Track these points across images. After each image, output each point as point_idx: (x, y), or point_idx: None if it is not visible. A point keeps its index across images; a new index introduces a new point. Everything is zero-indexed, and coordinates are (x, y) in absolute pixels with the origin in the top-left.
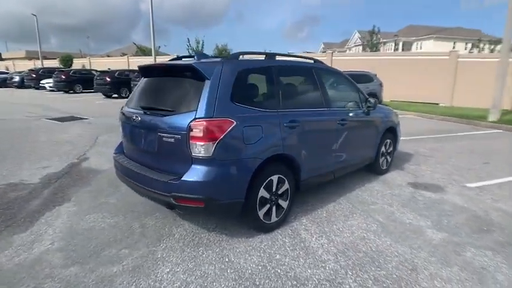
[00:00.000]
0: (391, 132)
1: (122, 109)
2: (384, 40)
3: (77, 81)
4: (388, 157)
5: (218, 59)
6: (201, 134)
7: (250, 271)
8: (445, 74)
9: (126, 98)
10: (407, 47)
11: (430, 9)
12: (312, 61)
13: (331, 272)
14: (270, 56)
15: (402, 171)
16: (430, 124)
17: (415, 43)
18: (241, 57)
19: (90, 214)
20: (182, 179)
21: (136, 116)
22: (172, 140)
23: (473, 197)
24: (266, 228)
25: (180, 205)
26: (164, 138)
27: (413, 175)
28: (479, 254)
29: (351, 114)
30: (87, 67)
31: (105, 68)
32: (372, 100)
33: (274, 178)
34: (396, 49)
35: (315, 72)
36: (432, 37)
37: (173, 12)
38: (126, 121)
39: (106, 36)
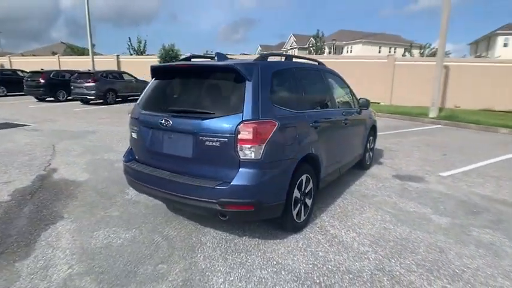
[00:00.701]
0: (373, 129)
1: (132, 114)
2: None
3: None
4: (370, 153)
5: (252, 60)
6: (250, 137)
7: (303, 271)
8: (384, 75)
9: (65, 101)
10: (338, 50)
11: (357, 14)
12: (317, 63)
13: (377, 262)
14: (288, 57)
15: (381, 166)
16: (380, 122)
17: (346, 47)
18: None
19: (97, 230)
20: (232, 183)
21: (166, 120)
22: (217, 143)
23: (451, 185)
24: (297, 227)
25: (228, 211)
26: (207, 142)
27: (393, 168)
28: (482, 232)
29: (350, 114)
30: (7, 67)
31: (33, 69)
32: (363, 100)
33: (304, 178)
34: (330, 52)
35: (323, 74)
36: (361, 41)
37: (100, 9)
38: (146, 126)
39: (20, 33)
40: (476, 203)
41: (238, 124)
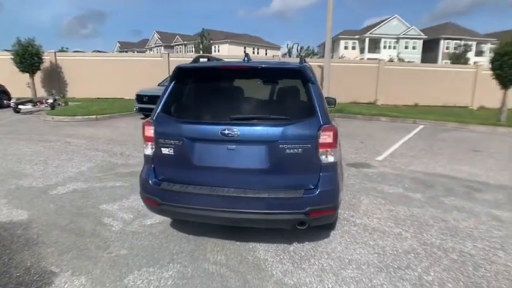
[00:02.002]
0: None
1: (160, 126)
2: (185, 42)
3: None
4: None
5: (296, 63)
6: (330, 140)
7: (376, 260)
8: None
9: None
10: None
11: (217, 14)
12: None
13: (416, 239)
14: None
15: None
16: None
17: (213, 46)
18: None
19: (126, 277)
20: (320, 190)
21: (231, 130)
22: (299, 150)
23: (392, 166)
24: (335, 224)
25: (311, 218)
26: (287, 150)
27: None
28: (450, 200)
29: None
30: None
31: None
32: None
33: None
34: (196, 51)
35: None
36: (227, 41)
37: None
38: (193, 138)
39: None
40: (423, 179)
41: (319, 129)
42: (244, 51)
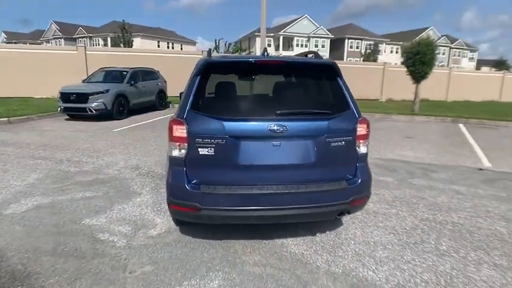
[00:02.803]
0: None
1: (195, 125)
2: (90, 35)
3: None
4: None
5: (328, 59)
6: (365, 132)
7: (400, 238)
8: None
9: None
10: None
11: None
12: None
13: (431, 218)
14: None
15: None
16: None
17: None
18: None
19: None
20: (361, 179)
21: (280, 126)
22: (342, 143)
23: None
24: None
25: (352, 207)
26: (332, 144)
27: None
28: (420, 181)
29: None
30: None
31: None
32: None
33: None
34: (105, 44)
35: None
36: (139, 35)
37: None
38: (237, 136)
39: None
40: (383, 164)
41: (357, 121)
42: (265, 49)
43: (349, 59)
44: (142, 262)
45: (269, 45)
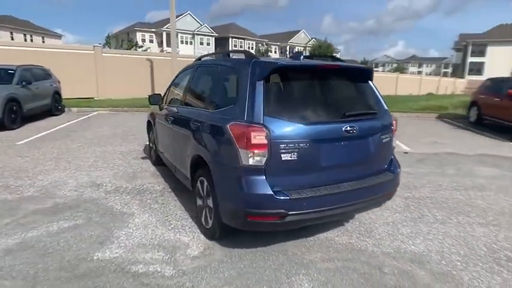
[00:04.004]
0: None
1: (287, 132)
2: None
3: None
4: None
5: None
6: (395, 128)
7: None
8: (91, 67)
9: None
10: None
11: None
12: None
13: (443, 198)
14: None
15: None
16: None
17: None
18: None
19: None
20: (399, 170)
21: (352, 127)
22: (388, 139)
23: None
24: None
25: (393, 195)
26: (383, 140)
27: None
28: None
29: None
30: None
31: None
32: None
33: None
34: None
35: None
36: None
37: None
38: (317, 140)
39: None
40: None
41: (392, 118)
42: (300, 52)
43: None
44: (216, 285)
45: (151, 41)
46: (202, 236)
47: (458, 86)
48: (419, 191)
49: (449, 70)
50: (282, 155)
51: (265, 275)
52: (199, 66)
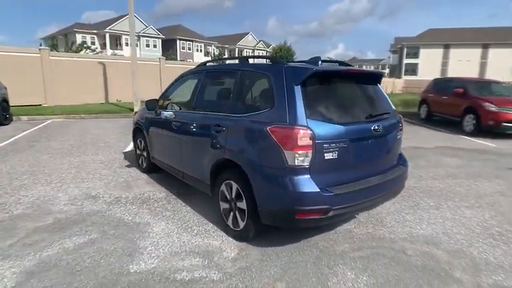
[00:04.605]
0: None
1: (329, 132)
2: None
3: None
4: None
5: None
6: (402, 125)
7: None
8: (38, 72)
9: None
10: None
11: None
12: None
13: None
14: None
15: None
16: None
17: None
18: None
19: None
20: (407, 163)
21: (378, 126)
22: (399, 135)
23: None
24: None
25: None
26: (398, 136)
27: None
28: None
29: None
30: None
31: None
32: None
33: None
34: None
35: None
36: None
37: None
38: (352, 139)
39: None
40: None
41: (400, 117)
42: (319, 57)
43: (185, 59)
44: (268, 283)
45: (93, 43)
46: (231, 239)
47: (397, 86)
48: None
49: (387, 71)
50: (325, 154)
51: (308, 268)
52: (208, 71)
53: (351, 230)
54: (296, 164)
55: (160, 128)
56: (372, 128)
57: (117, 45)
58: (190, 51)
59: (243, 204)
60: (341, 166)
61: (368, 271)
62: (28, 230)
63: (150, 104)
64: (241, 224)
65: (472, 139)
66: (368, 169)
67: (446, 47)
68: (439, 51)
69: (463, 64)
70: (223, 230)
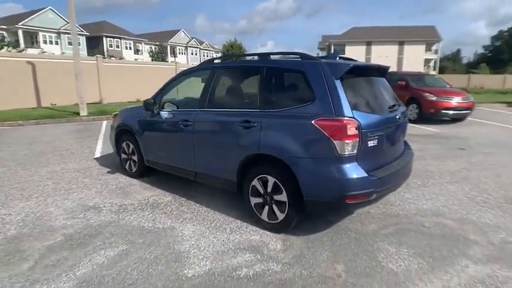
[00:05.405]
0: None
1: (372, 122)
2: None
3: None
4: None
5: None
6: None
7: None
8: None
9: None
10: None
11: None
12: None
13: None
14: None
15: None
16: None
17: None
18: None
19: None
20: (411, 147)
21: (401, 114)
22: (406, 124)
23: None
24: None
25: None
26: (407, 124)
27: None
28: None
29: None
30: None
31: None
32: None
33: None
34: None
35: None
36: None
37: None
38: (384, 127)
39: None
40: None
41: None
42: (337, 52)
43: (111, 58)
44: (328, 266)
45: (2, 40)
46: (268, 232)
47: None
48: None
49: None
50: (368, 142)
51: (354, 249)
52: (222, 68)
53: (368, 212)
54: (346, 152)
55: (161, 128)
56: (397, 116)
57: (32, 43)
58: (119, 49)
59: (282, 197)
60: (378, 152)
61: (404, 244)
62: (40, 250)
63: (149, 105)
64: (281, 216)
65: (419, 126)
66: (392, 154)
67: (369, 44)
68: (362, 48)
69: (383, 59)
70: (255, 224)
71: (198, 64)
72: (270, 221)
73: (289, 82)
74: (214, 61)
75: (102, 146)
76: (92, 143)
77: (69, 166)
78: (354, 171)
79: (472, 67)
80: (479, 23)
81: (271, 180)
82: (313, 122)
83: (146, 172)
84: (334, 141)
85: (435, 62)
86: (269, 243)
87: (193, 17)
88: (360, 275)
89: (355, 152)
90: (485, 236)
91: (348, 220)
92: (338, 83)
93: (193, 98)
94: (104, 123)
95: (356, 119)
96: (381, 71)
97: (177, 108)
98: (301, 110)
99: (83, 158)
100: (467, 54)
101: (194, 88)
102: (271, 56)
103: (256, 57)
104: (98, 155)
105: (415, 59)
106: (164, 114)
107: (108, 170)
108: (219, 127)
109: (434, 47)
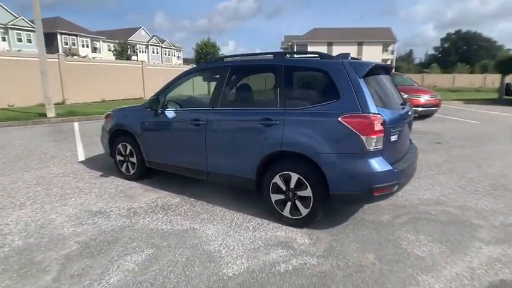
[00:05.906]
0: None
1: (393, 118)
2: None
3: None
4: None
5: None
6: None
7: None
8: None
9: None
10: None
11: None
12: None
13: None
14: None
15: None
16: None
17: None
18: None
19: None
20: (413, 142)
21: (411, 111)
22: (412, 120)
23: None
24: None
25: None
26: (412, 119)
27: None
28: None
29: None
30: None
31: None
32: None
33: None
34: None
35: None
36: None
37: None
38: (400, 123)
39: None
40: None
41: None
42: (348, 54)
43: (75, 56)
44: (359, 256)
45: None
46: (291, 228)
47: None
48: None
49: None
50: (391, 137)
51: (377, 238)
52: (234, 67)
53: (379, 204)
54: (373, 147)
55: (167, 128)
56: (409, 112)
57: None
58: (75, 47)
59: (306, 192)
60: (397, 146)
61: (420, 232)
62: (58, 260)
63: (154, 103)
64: (305, 211)
65: None
66: (404, 149)
67: (330, 44)
68: (324, 49)
69: None
70: (276, 221)
71: (206, 63)
72: (293, 217)
73: (311, 81)
74: (224, 60)
75: (83, 148)
76: (70, 145)
77: (54, 170)
78: (380, 165)
79: (424, 67)
80: (428, 26)
81: (294, 176)
82: (340, 119)
83: (146, 174)
84: (362, 137)
85: (391, 62)
86: (296, 238)
87: (153, 14)
88: (392, 262)
89: (381, 146)
90: (486, 220)
91: (361, 212)
92: (362, 81)
93: (198, 97)
94: (76, 124)
95: (381, 115)
96: (388, 69)
97: (180, 107)
98: (325, 107)
99: (67, 161)
100: (419, 55)
101: (195, 88)
102: (287, 55)
103: (270, 56)
104: (82, 158)
105: (373, 59)
106: (170, 113)
107: (100, 173)
108: (236, 126)
109: (390, 48)
